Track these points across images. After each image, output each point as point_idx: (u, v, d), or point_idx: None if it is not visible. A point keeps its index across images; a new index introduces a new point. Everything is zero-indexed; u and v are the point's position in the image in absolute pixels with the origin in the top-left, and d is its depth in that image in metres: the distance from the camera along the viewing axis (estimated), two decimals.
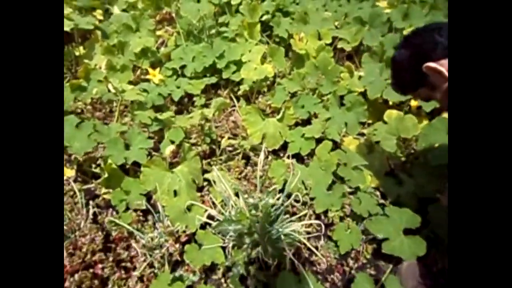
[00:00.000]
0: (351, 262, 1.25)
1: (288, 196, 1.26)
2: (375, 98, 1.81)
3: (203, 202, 1.38)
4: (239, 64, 2.13)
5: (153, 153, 1.65)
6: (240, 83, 2.18)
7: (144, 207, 1.29)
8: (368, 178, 1.48)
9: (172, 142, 1.57)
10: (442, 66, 0.89)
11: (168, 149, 1.47)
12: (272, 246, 1.08)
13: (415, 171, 1.47)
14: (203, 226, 1.27)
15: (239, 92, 2.10)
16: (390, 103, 1.86)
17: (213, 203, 1.30)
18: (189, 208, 1.29)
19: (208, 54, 2.14)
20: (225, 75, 2.11)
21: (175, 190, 1.40)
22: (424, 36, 0.94)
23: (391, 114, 1.67)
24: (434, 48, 0.90)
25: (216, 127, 1.91)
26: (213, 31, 2.66)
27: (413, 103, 1.79)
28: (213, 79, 2.10)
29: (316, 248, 1.23)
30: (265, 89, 2.13)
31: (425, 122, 1.69)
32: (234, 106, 2.07)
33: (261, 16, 2.45)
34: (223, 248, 1.17)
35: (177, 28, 2.44)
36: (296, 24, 2.32)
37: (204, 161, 1.66)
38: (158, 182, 1.38)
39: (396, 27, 2.26)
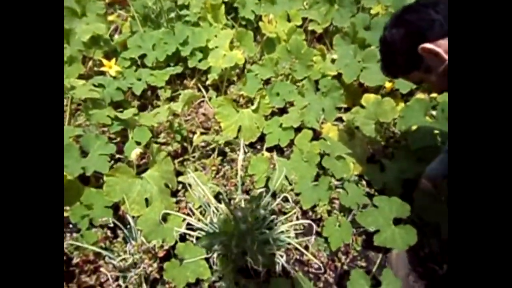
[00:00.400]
0: (342, 257, 1.20)
1: (273, 194, 1.18)
2: (351, 82, 1.75)
3: (179, 209, 1.25)
4: (205, 51, 1.96)
5: (117, 156, 1.47)
6: (207, 71, 2.01)
7: (111, 223, 1.13)
8: (351, 166, 1.44)
9: (138, 144, 1.39)
10: (440, 47, 0.81)
11: (134, 153, 1.29)
12: (261, 252, 0.99)
13: (396, 156, 1.44)
14: (183, 238, 1.14)
15: (208, 82, 1.94)
16: (365, 85, 1.82)
17: (191, 209, 1.17)
18: (164, 218, 1.15)
19: (170, 41, 1.93)
20: (191, 64, 1.93)
21: (147, 199, 1.25)
22: (419, 12, 0.84)
23: (368, 98, 1.62)
24: (430, 27, 0.81)
25: (186, 121, 1.75)
26: (173, 14, 2.43)
27: (388, 85, 1.75)
28: (178, 69, 1.91)
29: (306, 247, 1.16)
30: (235, 78, 1.98)
31: (401, 104, 1.67)
32: (203, 97, 1.91)
33: None
34: (207, 260, 1.06)
35: (131, 12, 2.18)
36: (263, 5, 2.17)
37: (175, 161, 1.51)
38: (125, 191, 1.22)
39: (365, 6, 2.21)
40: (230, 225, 0.88)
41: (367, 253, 1.26)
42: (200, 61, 1.95)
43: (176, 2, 2.47)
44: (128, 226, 1.20)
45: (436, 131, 1.41)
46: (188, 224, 1.10)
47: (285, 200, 1.20)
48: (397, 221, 1.16)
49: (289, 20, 2.06)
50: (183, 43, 1.93)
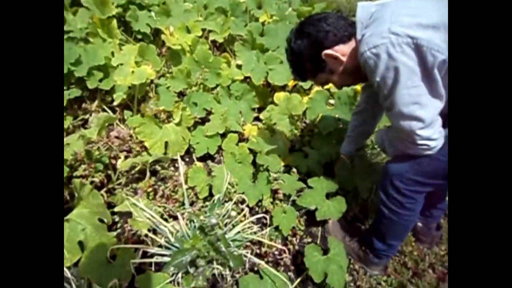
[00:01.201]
0: (293, 239, 1.33)
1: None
2: (259, 83, 1.92)
3: (126, 240, 1.14)
4: (104, 69, 1.80)
5: None
6: (110, 91, 1.85)
7: None
8: (278, 158, 1.59)
9: None
10: (337, 52, 1.00)
11: None
12: (231, 254, 1.01)
13: (313, 143, 1.67)
14: (139, 269, 1.05)
15: (115, 102, 1.79)
16: (272, 85, 2.02)
17: (140, 237, 1.09)
18: (113, 256, 1.03)
19: None
20: (90, 85, 1.74)
21: (81, 242, 1.09)
22: (315, 25, 1.01)
23: (279, 96, 1.82)
24: (326, 36, 1.00)
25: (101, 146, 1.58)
26: None
27: (290, 82, 2.00)
28: (76, 92, 1.70)
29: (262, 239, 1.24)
30: (145, 94, 1.89)
31: (305, 97, 1.93)
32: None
33: None
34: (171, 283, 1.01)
35: None
36: (158, 18, 2.13)
37: (101, 193, 1.35)
38: None
39: (255, 15, 2.44)
40: (197, 237, 0.88)
41: (310, 229, 1.43)
42: (101, 80, 1.78)
43: None
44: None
45: (337, 116, 1.71)
46: (143, 252, 1.03)
47: (233, 200, 1.25)
48: (327, 196, 1.37)
49: (189, 32, 2.09)
50: (76, 63, 1.73)
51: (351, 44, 1.01)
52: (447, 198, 1.37)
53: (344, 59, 1.02)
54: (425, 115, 0.86)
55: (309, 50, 1.03)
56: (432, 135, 0.89)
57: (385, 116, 1.24)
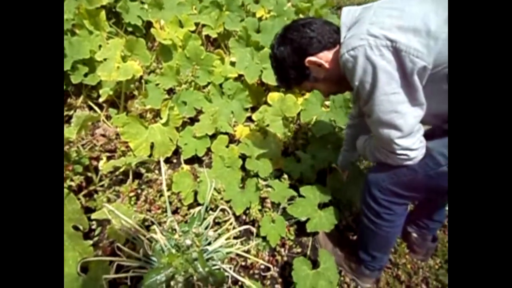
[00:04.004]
0: (281, 249, 1.27)
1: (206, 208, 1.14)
2: (253, 82, 1.84)
3: (103, 250, 1.07)
4: (90, 63, 1.71)
5: None
6: (97, 87, 1.77)
7: None
8: (269, 163, 1.52)
9: None
10: (321, 59, 0.93)
11: None
12: (210, 272, 0.95)
13: (307, 147, 1.59)
14: (114, 283, 0.98)
15: (101, 99, 1.71)
16: (266, 84, 1.93)
17: (118, 248, 1.02)
18: (84, 269, 0.96)
19: None
20: (74, 79, 1.66)
21: None
22: (299, 32, 0.94)
23: (273, 97, 1.73)
24: (310, 43, 0.93)
25: (82, 146, 1.50)
26: None
27: None
28: None
29: (247, 251, 1.17)
30: (134, 91, 1.81)
31: (300, 99, 1.85)
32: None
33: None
34: None
35: None
36: (150, 10, 2.03)
37: (80, 196, 1.28)
38: None
39: (251, 10, 2.34)
40: (173, 255, 0.81)
41: (300, 239, 1.36)
42: (86, 75, 1.70)
43: None
44: None
45: (332, 119, 1.63)
46: (118, 266, 0.96)
47: (217, 210, 1.18)
48: (319, 205, 1.29)
49: (181, 26, 1.99)
50: None
51: (336, 50, 0.93)
52: (445, 211, 1.31)
53: (328, 66, 0.94)
54: (404, 124, 0.81)
55: (292, 57, 0.96)
56: (412, 145, 0.85)
57: None
